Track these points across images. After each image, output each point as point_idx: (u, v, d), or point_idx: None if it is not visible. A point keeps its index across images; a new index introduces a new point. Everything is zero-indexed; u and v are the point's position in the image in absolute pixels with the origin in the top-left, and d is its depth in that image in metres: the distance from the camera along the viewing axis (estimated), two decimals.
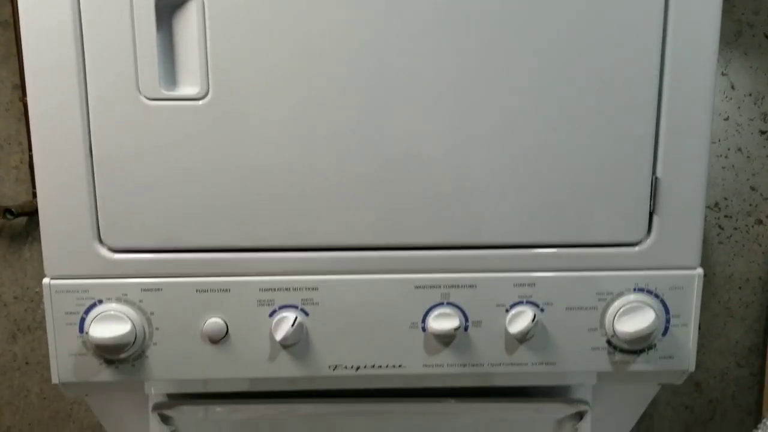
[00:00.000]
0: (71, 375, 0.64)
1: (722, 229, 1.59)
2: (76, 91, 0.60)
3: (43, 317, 1.58)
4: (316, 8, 0.60)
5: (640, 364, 0.66)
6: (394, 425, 0.75)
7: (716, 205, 1.60)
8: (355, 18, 0.60)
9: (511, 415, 0.73)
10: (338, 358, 0.66)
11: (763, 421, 1.43)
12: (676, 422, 1.67)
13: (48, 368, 1.59)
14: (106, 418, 0.77)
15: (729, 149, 1.54)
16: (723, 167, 1.58)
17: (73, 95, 0.60)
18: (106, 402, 0.75)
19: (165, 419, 0.72)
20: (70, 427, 1.61)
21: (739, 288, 1.62)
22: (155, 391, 0.68)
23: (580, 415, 0.73)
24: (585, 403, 0.71)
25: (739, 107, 1.51)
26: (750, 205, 1.56)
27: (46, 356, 1.59)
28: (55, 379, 0.64)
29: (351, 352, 0.66)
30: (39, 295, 1.56)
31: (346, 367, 0.66)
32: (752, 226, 1.58)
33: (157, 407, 0.70)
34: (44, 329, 1.59)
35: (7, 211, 1.46)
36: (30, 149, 1.48)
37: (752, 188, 1.56)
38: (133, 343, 0.63)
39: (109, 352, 0.63)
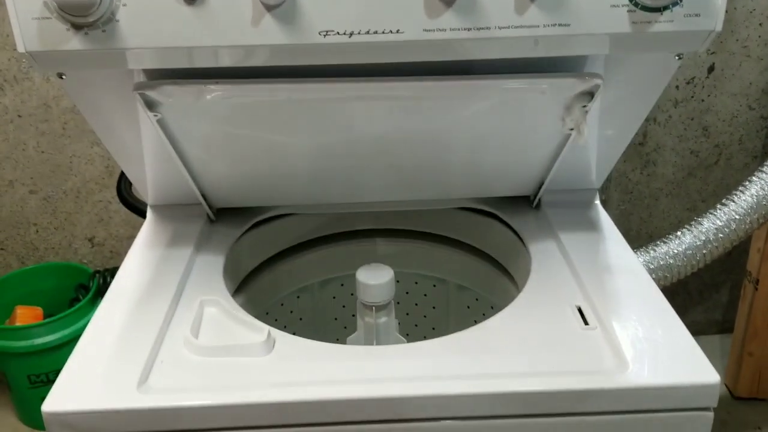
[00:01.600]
0: (37, 42, 0.59)
1: None
2: None
3: (30, 67, 1.52)
4: None
5: (662, 24, 0.60)
6: (395, 107, 0.71)
7: None
8: None
9: (517, 94, 0.69)
10: (329, 22, 0.59)
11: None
12: (679, 167, 1.67)
13: (42, 120, 1.56)
14: (90, 110, 0.73)
15: None
16: None
17: None
18: (87, 87, 0.70)
19: (150, 106, 0.68)
20: (72, 180, 1.62)
21: (760, 24, 1.52)
22: (136, 66, 0.63)
23: (591, 95, 0.69)
24: (598, 76, 0.66)
25: None
26: None
27: (38, 108, 1.55)
28: (20, 48, 0.59)
29: (343, 14, 0.59)
30: None
31: (338, 33, 0.60)
32: None
33: (140, 86, 0.65)
34: (32, 80, 1.53)
35: None
36: None
37: None
38: (100, 2, 0.56)
39: (75, 13, 0.56)
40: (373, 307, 0.87)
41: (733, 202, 1.41)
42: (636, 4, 0.59)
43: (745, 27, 1.52)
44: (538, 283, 0.79)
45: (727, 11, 1.52)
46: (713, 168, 1.68)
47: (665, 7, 0.59)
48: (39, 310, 1.55)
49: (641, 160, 1.65)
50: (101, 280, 1.54)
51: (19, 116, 1.55)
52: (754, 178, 1.41)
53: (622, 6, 0.59)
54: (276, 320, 1.06)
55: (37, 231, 1.67)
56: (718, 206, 1.41)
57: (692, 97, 1.58)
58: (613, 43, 0.62)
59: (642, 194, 1.70)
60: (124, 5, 0.57)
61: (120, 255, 1.71)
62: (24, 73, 1.51)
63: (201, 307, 0.74)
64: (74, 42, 0.58)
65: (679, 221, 1.70)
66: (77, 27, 0.58)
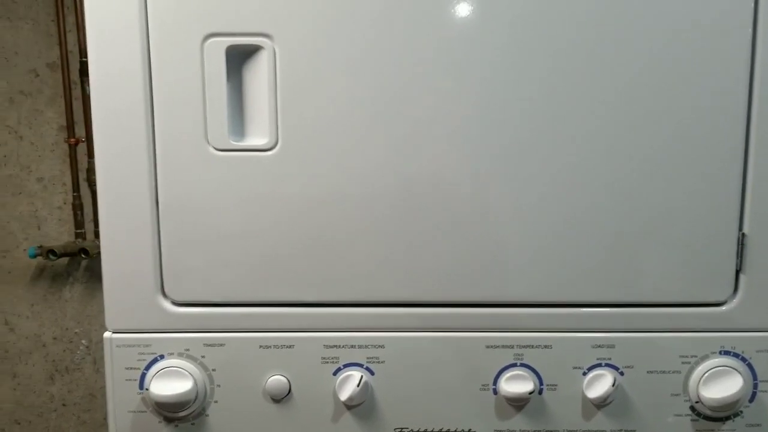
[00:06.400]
0: None
1: None
2: (143, 140, 0.59)
3: (82, 359, 1.57)
4: (388, 57, 0.58)
5: None
6: None
7: None
8: (428, 69, 0.58)
9: None
10: (404, 420, 0.63)
11: None
12: None
13: (84, 410, 1.58)
14: None
15: None
16: None
17: (140, 144, 0.59)
18: None
19: None
20: None
21: None
22: None
23: None
24: None
25: None
26: None
27: (83, 398, 1.57)
28: None
29: (418, 413, 0.62)
30: (78, 336, 1.55)
31: (412, 430, 0.63)
32: None
33: None
34: (82, 370, 1.58)
35: (50, 252, 1.46)
36: (74, 190, 1.49)
37: None
38: (194, 400, 0.60)
39: (170, 410, 0.60)
40: None
41: None
42: (698, 414, 0.62)
43: None
44: None
45: None
46: None
47: (726, 418, 0.62)
48: None
49: None
50: None
51: (64, 405, 1.58)
52: None
53: (685, 415, 0.62)
54: None
55: None
56: None
57: None
58: None
59: None
60: (216, 402, 0.62)
61: None
62: (75, 364, 1.57)
63: None
64: None
65: None
66: (169, 420, 0.61)
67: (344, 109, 0.59)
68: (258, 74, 0.59)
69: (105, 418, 1.58)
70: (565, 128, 0.59)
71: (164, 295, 0.61)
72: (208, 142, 0.59)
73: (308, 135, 0.60)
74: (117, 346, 0.61)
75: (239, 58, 0.59)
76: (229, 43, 0.58)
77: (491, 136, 0.59)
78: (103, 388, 1.57)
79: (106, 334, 0.61)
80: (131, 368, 0.61)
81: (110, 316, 0.61)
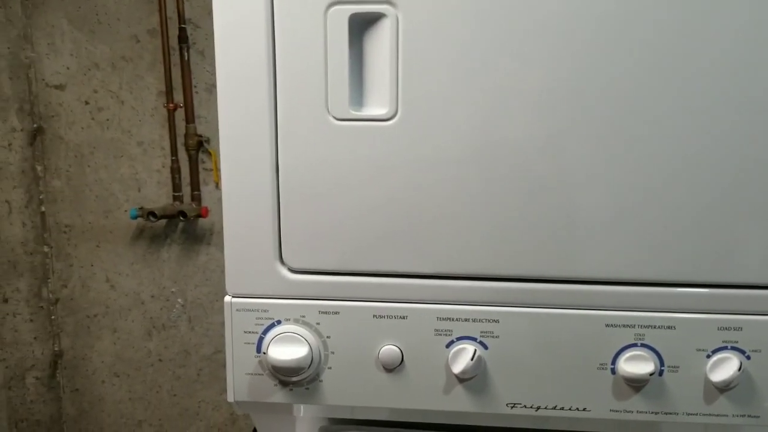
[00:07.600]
0: (246, 394, 0.64)
1: None
2: (266, 109, 0.60)
3: (178, 317, 1.64)
4: (511, 31, 0.57)
5: None
6: None
7: None
8: (551, 43, 0.56)
9: None
10: (517, 395, 0.62)
11: None
12: None
13: (179, 366, 1.65)
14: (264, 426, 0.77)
15: None
16: None
17: (263, 113, 0.60)
18: (270, 419, 0.74)
19: None
20: (197, 425, 1.66)
21: None
22: (324, 414, 0.67)
23: None
24: None
25: None
26: None
27: (179, 354, 1.64)
28: (230, 398, 0.64)
29: (531, 390, 0.62)
30: (174, 294, 1.62)
31: (525, 406, 0.62)
32: None
33: (324, 431, 0.69)
34: (177, 328, 1.64)
35: (151, 213, 1.51)
36: (172, 154, 1.54)
37: None
38: (309, 366, 0.62)
39: (286, 375, 0.62)
40: None
41: None
42: None
43: None
44: None
45: None
46: None
47: None
48: None
49: None
50: None
51: (160, 360, 1.65)
52: None
53: None
54: None
55: None
56: None
57: None
58: None
59: None
60: (330, 368, 0.63)
61: None
62: (172, 322, 1.63)
63: None
64: (278, 396, 0.63)
65: None
66: (284, 384, 0.63)
67: (464, 80, 0.58)
68: (379, 43, 0.59)
69: (198, 374, 1.65)
70: (679, 100, 0.56)
71: (282, 262, 0.62)
72: (329, 112, 0.59)
73: (427, 106, 0.59)
74: (236, 310, 0.63)
75: (361, 26, 0.59)
76: (352, 11, 0.58)
77: (625, 103, 0.57)
78: (196, 345, 1.63)
79: (227, 298, 0.63)
80: (249, 332, 0.63)
81: (230, 281, 0.63)
